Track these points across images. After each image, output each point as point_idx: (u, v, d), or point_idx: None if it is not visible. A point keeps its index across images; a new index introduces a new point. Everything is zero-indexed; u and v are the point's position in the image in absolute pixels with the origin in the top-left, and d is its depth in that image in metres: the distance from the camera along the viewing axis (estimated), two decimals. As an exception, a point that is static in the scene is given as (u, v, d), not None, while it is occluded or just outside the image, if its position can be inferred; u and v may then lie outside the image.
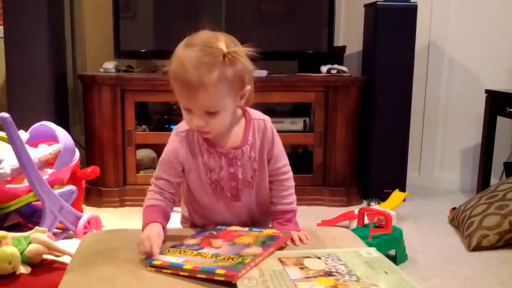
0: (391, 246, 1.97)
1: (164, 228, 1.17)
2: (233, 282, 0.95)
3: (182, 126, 1.23)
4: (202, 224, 1.30)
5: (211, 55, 1.07)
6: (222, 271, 0.96)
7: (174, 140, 1.23)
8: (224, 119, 1.15)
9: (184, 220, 1.39)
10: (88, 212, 2.33)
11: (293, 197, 1.30)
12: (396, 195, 2.56)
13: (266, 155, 1.26)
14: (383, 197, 2.63)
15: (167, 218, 1.20)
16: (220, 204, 1.26)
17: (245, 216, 1.30)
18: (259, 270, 1.01)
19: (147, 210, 1.19)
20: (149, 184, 1.25)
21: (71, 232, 2.17)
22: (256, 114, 1.27)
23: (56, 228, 2.14)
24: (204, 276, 0.98)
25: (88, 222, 2.18)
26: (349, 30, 3.24)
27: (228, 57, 1.08)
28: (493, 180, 2.81)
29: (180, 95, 1.12)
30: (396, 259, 1.97)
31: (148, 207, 1.20)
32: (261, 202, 1.30)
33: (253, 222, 1.31)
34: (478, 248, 2.12)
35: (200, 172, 1.22)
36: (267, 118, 1.27)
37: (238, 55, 1.10)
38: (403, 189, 2.74)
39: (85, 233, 2.10)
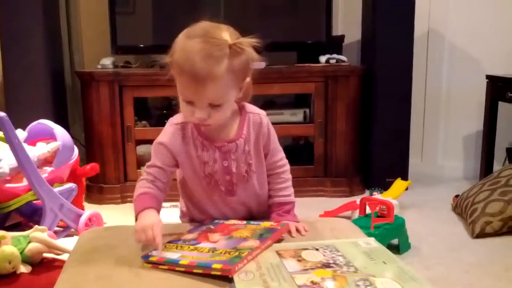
0: (394, 235, 1.96)
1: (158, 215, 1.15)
2: (230, 276, 0.94)
3: (176, 118, 1.22)
4: (200, 219, 1.29)
5: (218, 46, 1.06)
6: (218, 266, 0.95)
7: (168, 132, 1.21)
8: (226, 111, 1.15)
9: (182, 215, 1.38)
10: (89, 209, 2.33)
11: (291, 190, 1.29)
12: (398, 184, 2.54)
13: (263, 150, 1.25)
14: (385, 186, 2.61)
15: (160, 206, 1.18)
16: (216, 198, 1.25)
17: (243, 214, 1.28)
18: (256, 263, 1.00)
19: (140, 198, 1.17)
20: None
21: (72, 230, 2.17)
22: (251, 108, 1.25)
23: (58, 226, 2.14)
24: (201, 271, 0.97)
25: (89, 219, 2.18)
26: (348, 19, 3.21)
27: (234, 48, 1.07)
28: (496, 166, 2.79)
29: (185, 87, 1.10)
30: (399, 248, 1.96)
31: (140, 195, 1.17)
32: (262, 201, 1.29)
33: (249, 215, 1.29)
34: (482, 235, 2.11)
35: (195, 165, 1.21)
36: (262, 112, 1.25)
37: (244, 46, 1.09)
38: (405, 177, 2.72)
39: (85, 230, 2.09)
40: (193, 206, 1.30)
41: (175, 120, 1.22)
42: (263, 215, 1.30)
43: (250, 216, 1.29)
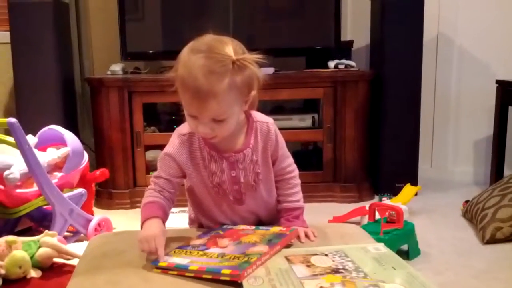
0: (403, 241, 1.95)
1: (163, 224, 1.16)
2: (239, 281, 0.94)
3: (184, 128, 1.22)
4: (209, 226, 1.30)
5: (220, 63, 1.05)
6: (227, 271, 0.95)
7: (175, 143, 1.21)
8: (230, 125, 1.13)
9: (191, 222, 1.38)
10: (99, 214, 2.34)
11: (300, 195, 1.29)
12: (408, 189, 2.53)
13: (270, 157, 1.25)
14: (395, 192, 2.60)
15: (166, 215, 1.19)
16: (224, 207, 1.25)
17: (252, 221, 1.28)
18: (265, 268, 1.00)
19: (146, 206, 1.18)
20: None
21: (82, 235, 2.18)
22: (259, 116, 1.24)
23: (67, 231, 2.15)
24: (210, 277, 0.97)
25: (99, 224, 2.18)
26: (356, 24, 3.21)
27: (237, 64, 1.06)
28: (506, 172, 2.77)
29: (188, 102, 1.09)
30: (408, 254, 1.95)
31: (146, 204, 1.18)
32: (270, 208, 1.30)
33: (259, 223, 1.29)
34: (492, 240, 2.09)
35: (202, 176, 1.21)
36: (270, 121, 1.25)
37: (247, 62, 1.08)
38: (415, 183, 2.71)
39: (95, 236, 2.10)
40: (202, 213, 1.30)
41: (182, 130, 1.21)
42: (272, 222, 1.30)
43: (259, 223, 1.29)
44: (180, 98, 1.11)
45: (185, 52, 1.11)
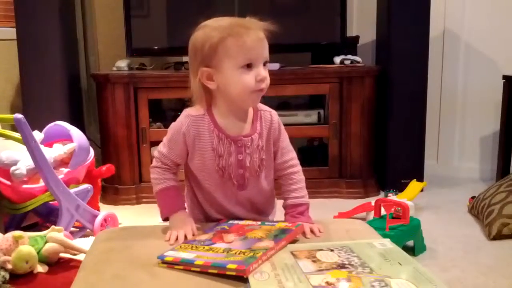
0: (409, 237, 1.94)
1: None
2: (245, 276, 0.94)
3: (193, 111, 1.23)
4: (200, 218, 1.31)
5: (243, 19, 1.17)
6: (233, 266, 0.96)
7: (183, 122, 1.22)
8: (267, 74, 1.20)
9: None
10: (105, 210, 2.35)
11: (304, 191, 1.30)
12: (414, 185, 2.53)
13: (273, 146, 1.27)
14: (400, 188, 2.59)
15: (184, 199, 1.30)
16: (226, 191, 1.26)
17: (248, 206, 1.30)
18: (271, 264, 1.00)
19: (169, 194, 1.25)
20: None
21: (88, 230, 2.19)
22: (262, 106, 1.28)
23: (73, 226, 2.16)
24: (216, 271, 0.97)
25: (105, 220, 2.19)
26: (362, 19, 3.20)
27: None
28: (513, 168, 2.76)
29: (248, 49, 1.13)
30: (414, 250, 1.94)
31: (166, 190, 1.24)
32: (268, 197, 1.32)
33: (255, 210, 1.31)
34: (499, 236, 2.08)
35: (207, 158, 1.22)
36: (273, 111, 1.29)
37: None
38: (420, 179, 2.70)
39: (102, 231, 2.11)
40: (197, 203, 1.31)
41: (191, 112, 1.23)
42: (266, 209, 1.34)
43: (254, 208, 1.30)
44: (230, 59, 1.14)
45: (204, 30, 1.17)
